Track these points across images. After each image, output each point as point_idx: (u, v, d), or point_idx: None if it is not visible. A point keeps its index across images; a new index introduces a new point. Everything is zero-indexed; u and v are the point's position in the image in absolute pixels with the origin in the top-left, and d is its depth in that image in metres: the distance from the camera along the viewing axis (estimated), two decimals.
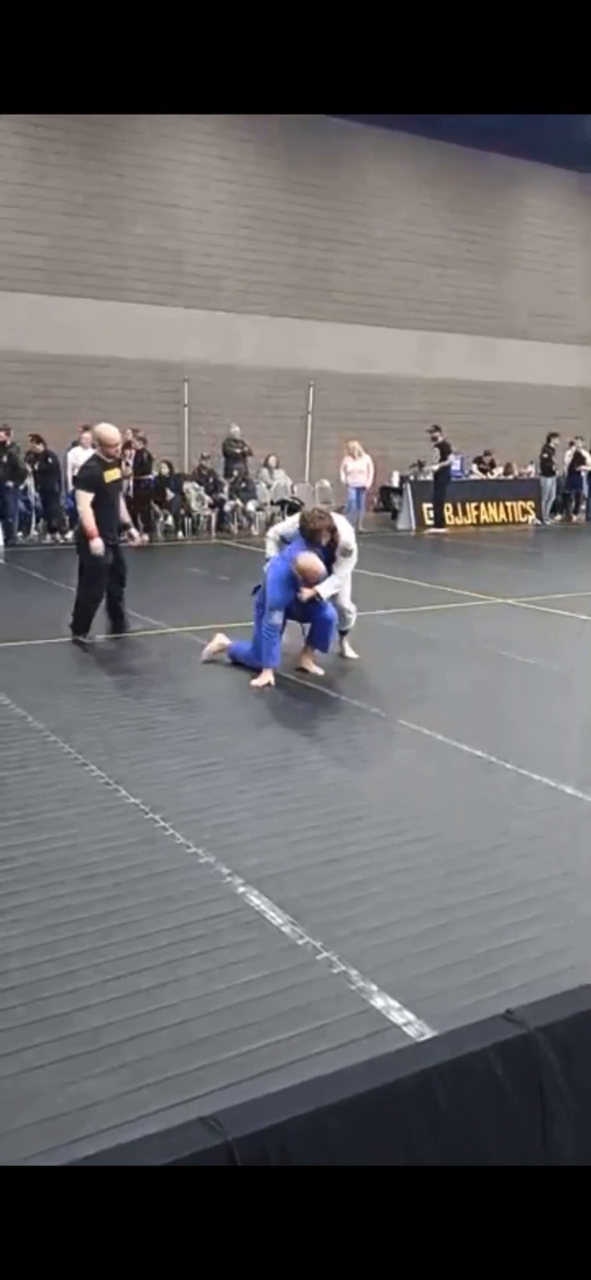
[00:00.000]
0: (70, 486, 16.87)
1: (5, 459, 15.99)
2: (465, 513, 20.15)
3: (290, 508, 17.61)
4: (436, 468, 19.40)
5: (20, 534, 16.42)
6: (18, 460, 16.18)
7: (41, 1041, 2.99)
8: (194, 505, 18.13)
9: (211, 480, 18.54)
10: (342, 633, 8.04)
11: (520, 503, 21.50)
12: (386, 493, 21.82)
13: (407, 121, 20.83)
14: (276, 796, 5.10)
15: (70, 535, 16.70)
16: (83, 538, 8.28)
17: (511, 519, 21.10)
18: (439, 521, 19.33)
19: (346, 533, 7.68)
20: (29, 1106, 2.71)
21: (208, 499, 18.29)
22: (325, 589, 7.33)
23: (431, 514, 19.66)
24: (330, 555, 7.46)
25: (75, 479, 15.93)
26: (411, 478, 20.77)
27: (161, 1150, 1.81)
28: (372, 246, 22.22)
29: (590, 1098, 2.18)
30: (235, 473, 18.68)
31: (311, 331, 21.29)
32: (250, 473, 19.11)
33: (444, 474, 19.41)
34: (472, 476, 21.46)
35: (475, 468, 21.80)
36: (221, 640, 7.79)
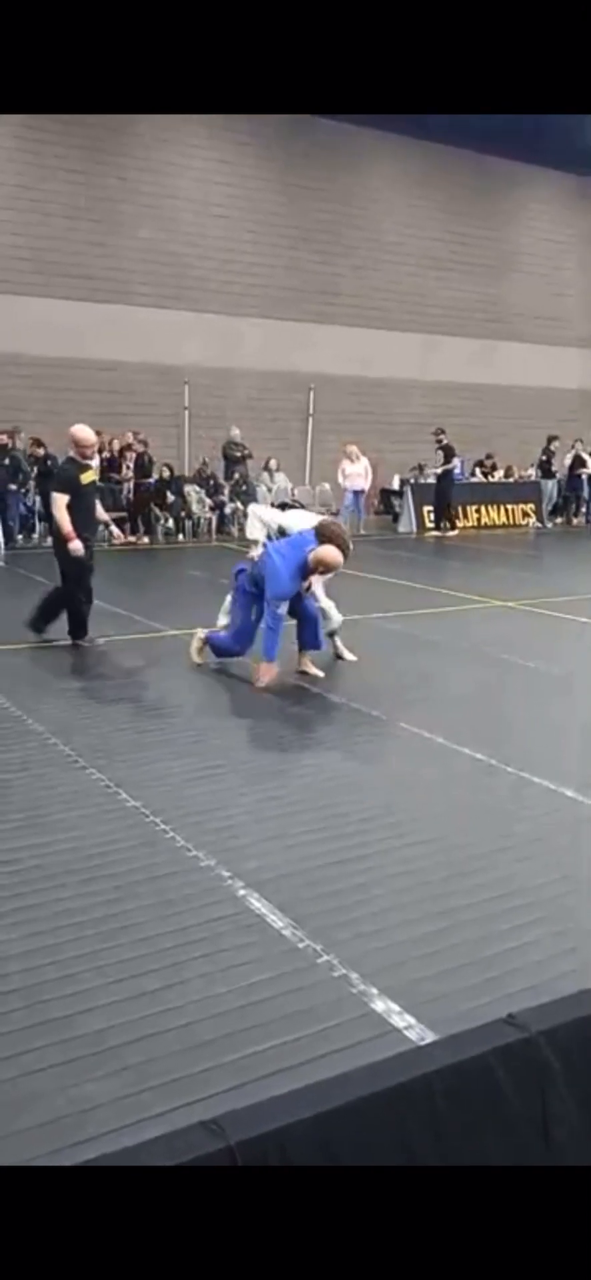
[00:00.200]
0: None
1: (7, 461, 16.00)
2: (466, 515, 20.14)
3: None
4: (440, 470, 19.37)
5: (20, 537, 16.43)
6: (20, 463, 16.19)
7: (43, 1044, 2.99)
8: (195, 508, 18.14)
9: (212, 483, 18.54)
10: (331, 634, 8.00)
11: (520, 505, 21.50)
12: (387, 495, 21.82)
13: (408, 125, 20.86)
14: (277, 799, 5.10)
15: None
16: (61, 540, 8.18)
17: (512, 522, 21.11)
18: (448, 523, 19.24)
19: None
20: (30, 1109, 2.71)
21: (208, 501, 18.29)
22: (317, 582, 7.36)
23: (432, 516, 19.65)
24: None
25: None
26: (412, 480, 20.78)
27: (163, 1154, 1.81)
28: (373, 249, 22.24)
29: None
30: (236, 475, 18.68)
31: (312, 334, 21.30)
32: (250, 475, 19.12)
33: (448, 477, 19.40)
34: (473, 479, 21.46)
35: (476, 471, 21.79)
36: (199, 635, 7.72)
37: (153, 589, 12.80)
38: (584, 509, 22.62)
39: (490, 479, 21.91)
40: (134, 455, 17.38)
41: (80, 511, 8.18)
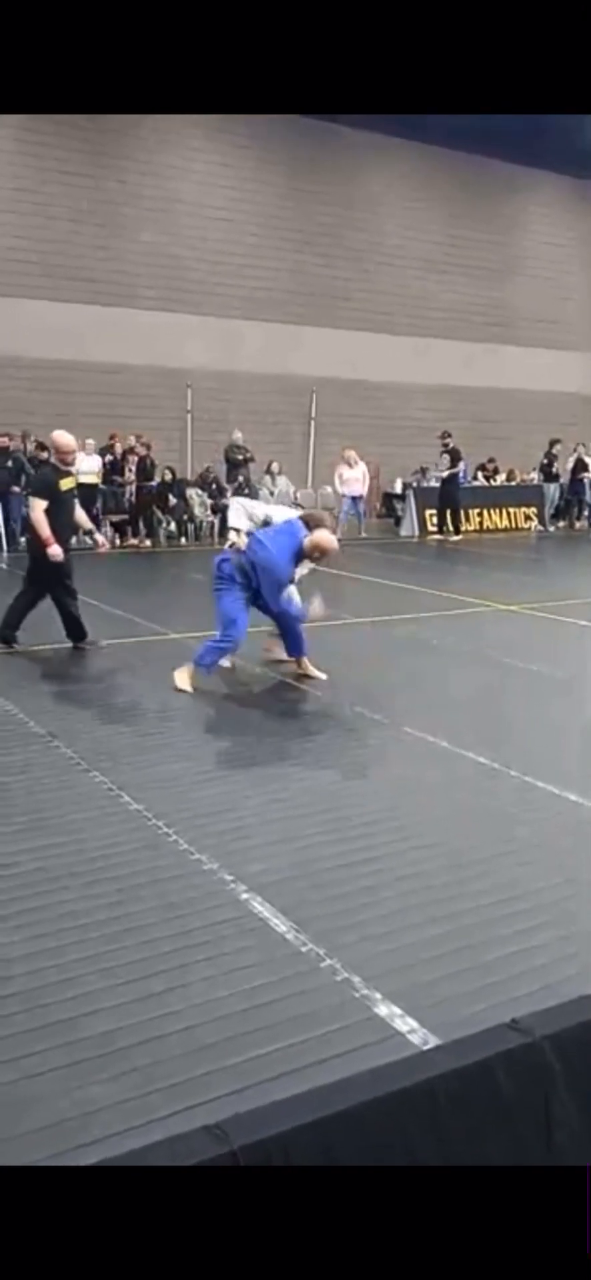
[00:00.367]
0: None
1: (10, 464, 16.01)
2: (468, 519, 20.13)
3: None
4: (446, 474, 19.31)
5: (23, 539, 16.43)
6: (24, 465, 16.22)
7: (46, 1047, 2.99)
8: (197, 511, 18.15)
9: (214, 486, 18.56)
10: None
11: (523, 509, 21.50)
12: (389, 499, 21.83)
13: (410, 128, 20.87)
14: (279, 803, 5.10)
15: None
16: (36, 544, 8.10)
17: (514, 525, 21.11)
18: (454, 528, 19.19)
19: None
20: (33, 1112, 2.71)
21: (210, 504, 18.31)
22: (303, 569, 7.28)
23: (434, 520, 19.63)
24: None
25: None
26: (414, 484, 20.77)
27: (166, 1158, 1.81)
28: (375, 253, 22.25)
29: None
30: (240, 478, 18.70)
31: (314, 338, 21.31)
32: (253, 478, 19.13)
33: (453, 480, 19.33)
34: (475, 483, 21.46)
35: (478, 474, 21.80)
36: (184, 671, 7.15)
37: (155, 592, 12.80)
38: (586, 513, 22.61)
39: (492, 482, 21.91)
40: (136, 458, 17.38)
41: (58, 517, 8.09)
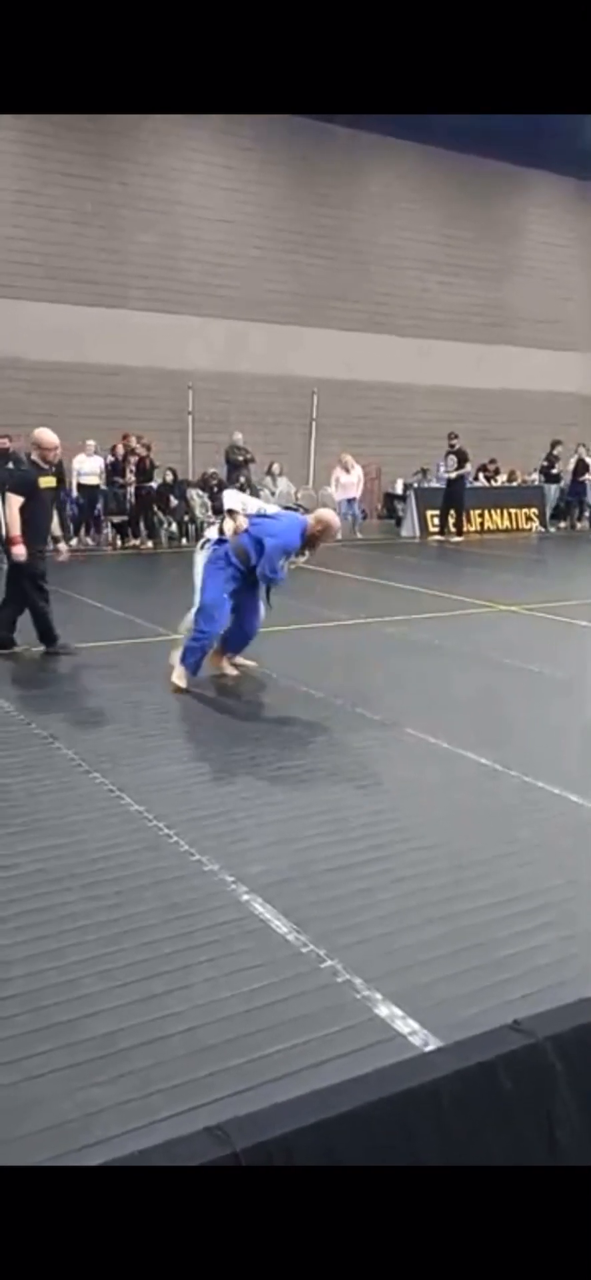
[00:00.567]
0: (75, 493, 16.95)
1: (11, 465, 16.01)
2: (469, 520, 20.13)
3: None
4: (453, 475, 19.24)
5: (61, 545, 16.40)
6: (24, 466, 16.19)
7: (47, 1048, 2.99)
8: (198, 512, 18.16)
9: (216, 488, 18.56)
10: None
11: (524, 510, 21.50)
12: (390, 499, 21.83)
13: (411, 129, 20.89)
14: (279, 804, 5.09)
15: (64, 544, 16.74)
16: (7, 542, 7.97)
17: (515, 526, 21.11)
18: (456, 528, 19.15)
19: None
20: (35, 1113, 2.71)
21: (211, 504, 18.32)
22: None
23: (436, 520, 19.62)
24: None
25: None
26: (415, 485, 20.77)
27: (168, 1160, 1.81)
28: (376, 254, 22.27)
29: None
30: (241, 479, 18.70)
31: (315, 339, 21.33)
32: (254, 479, 19.14)
33: (460, 481, 19.29)
34: (476, 484, 21.46)
35: (479, 475, 21.80)
36: (177, 669, 7.16)
37: (156, 593, 12.81)
38: (587, 513, 22.61)
39: (493, 483, 21.91)
40: (136, 459, 17.37)
41: (35, 516, 8.00)
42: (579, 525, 22.19)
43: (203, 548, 7.37)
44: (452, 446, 19.27)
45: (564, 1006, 2.46)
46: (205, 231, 20.10)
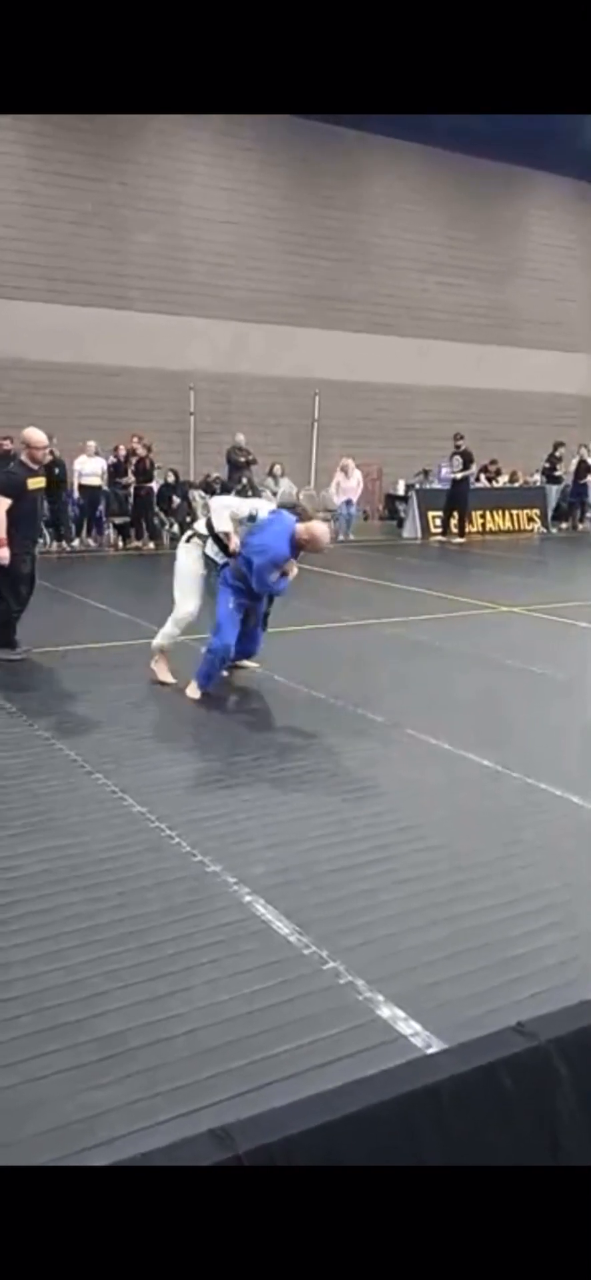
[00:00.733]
0: (77, 494, 16.96)
1: (12, 466, 16.00)
2: (471, 521, 20.12)
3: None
4: (459, 475, 19.17)
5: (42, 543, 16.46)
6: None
7: (50, 1050, 2.99)
8: (200, 513, 18.15)
9: (218, 489, 18.56)
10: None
11: (525, 511, 21.49)
12: (392, 500, 21.82)
13: (412, 130, 20.89)
14: (282, 805, 5.10)
15: (76, 543, 16.78)
16: None
17: (517, 527, 21.10)
18: (459, 529, 19.08)
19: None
20: (37, 1115, 2.71)
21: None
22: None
23: (438, 522, 19.61)
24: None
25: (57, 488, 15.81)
26: (417, 485, 20.77)
27: (171, 1162, 1.81)
28: (377, 255, 22.27)
29: None
30: (243, 480, 18.71)
31: (317, 340, 21.32)
32: (255, 480, 19.14)
33: (465, 482, 19.20)
34: (478, 485, 21.45)
35: (481, 476, 21.78)
36: (191, 684, 7.07)
37: (158, 594, 12.75)
38: (589, 515, 22.59)
39: (494, 484, 21.89)
40: (135, 459, 17.37)
41: (23, 517, 7.90)
42: (580, 526, 22.18)
43: (188, 541, 7.36)
44: (459, 447, 19.21)
45: (567, 1008, 2.47)
46: (207, 232, 20.11)
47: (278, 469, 19.53)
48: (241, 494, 18.42)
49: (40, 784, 5.31)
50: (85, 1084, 2.84)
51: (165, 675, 7.32)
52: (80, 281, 18.78)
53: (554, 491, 22.05)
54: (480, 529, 20.37)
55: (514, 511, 21.29)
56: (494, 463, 22.11)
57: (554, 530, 21.60)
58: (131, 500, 17.43)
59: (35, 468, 8.20)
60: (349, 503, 19.10)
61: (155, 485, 17.67)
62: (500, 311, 24.05)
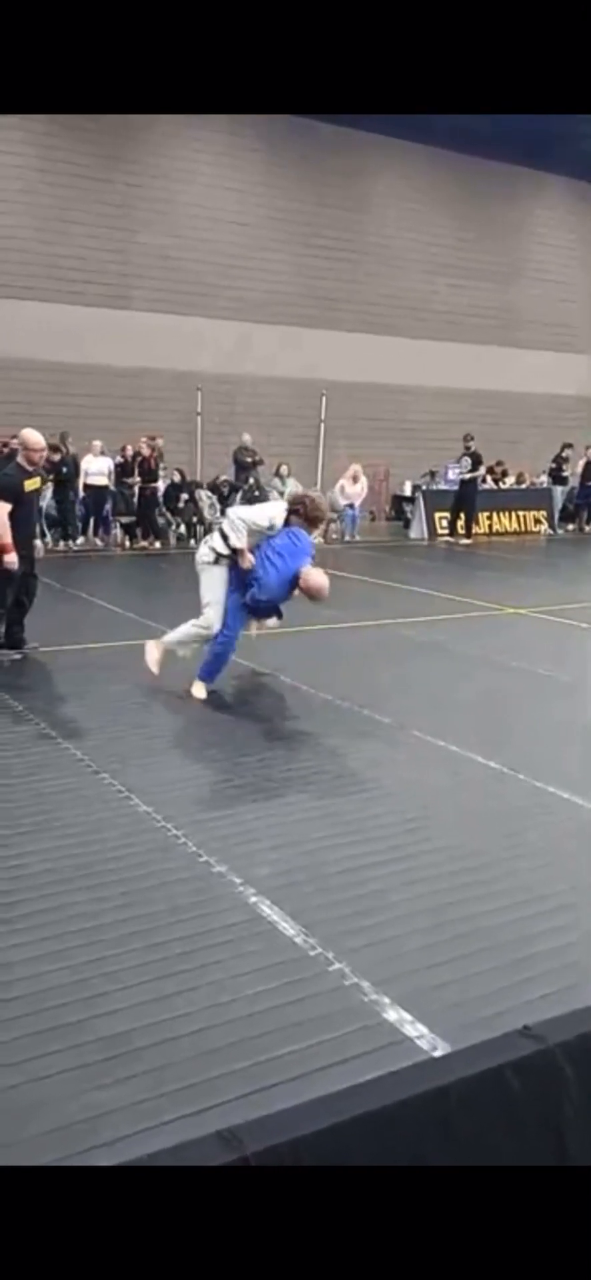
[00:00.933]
0: (82, 494, 16.97)
1: (9, 469, 15.99)
2: (477, 522, 20.09)
3: None
4: (467, 476, 19.07)
5: (36, 542, 16.45)
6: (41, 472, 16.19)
7: (54, 1049, 2.99)
8: (206, 513, 18.17)
9: (226, 490, 18.58)
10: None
11: (532, 512, 21.46)
12: (398, 501, 21.80)
13: (418, 131, 20.89)
14: (287, 806, 5.09)
15: (80, 542, 16.79)
16: None
17: (523, 529, 21.06)
18: (466, 530, 19.01)
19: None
20: (41, 1114, 2.71)
21: (220, 507, 18.34)
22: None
23: (444, 523, 19.58)
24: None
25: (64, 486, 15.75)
26: (423, 486, 20.75)
27: (177, 1163, 1.81)
28: (384, 256, 22.27)
29: None
30: (250, 481, 18.71)
31: (324, 341, 21.33)
32: (262, 481, 19.16)
33: (473, 484, 19.13)
34: (484, 486, 21.43)
35: (487, 477, 21.75)
36: (196, 683, 7.07)
37: (164, 594, 12.80)
38: None
39: (500, 485, 21.86)
40: (140, 459, 17.37)
41: (20, 520, 7.88)
42: (587, 528, 22.13)
43: (216, 563, 7.01)
44: (468, 448, 19.12)
45: (574, 1012, 2.45)
46: (214, 233, 20.12)
47: (284, 469, 19.53)
48: (248, 494, 18.47)
49: (46, 783, 5.31)
50: (89, 1084, 2.83)
51: (154, 662, 7.16)
52: (88, 282, 18.81)
53: (560, 493, 22.01)
54: (486, 530, 20.34)
55: (520, 513, 21.25)
56: (500, 464, 22.08)
57: (560, 532, 21.57)
58: (136, 500, 17.44)
59: (31, 470, 8.18)
60: (352, 506, 19.12)
61: (161, 485, 17.69)
62: (507, 312, 24.04)
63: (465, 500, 19.20)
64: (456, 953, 3.61)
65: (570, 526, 22.04)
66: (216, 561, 6.98)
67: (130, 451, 17.52)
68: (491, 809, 5.14)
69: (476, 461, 19.15)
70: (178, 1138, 2.45)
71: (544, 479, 22.48)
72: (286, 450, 20.13)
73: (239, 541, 6.81)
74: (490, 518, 20.58)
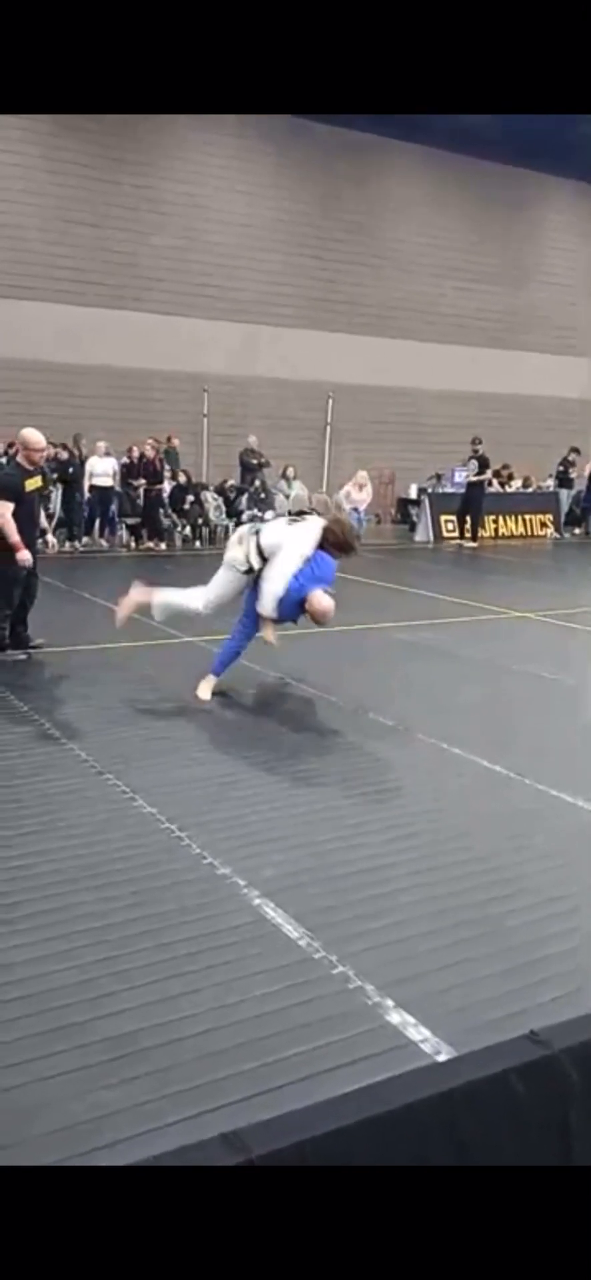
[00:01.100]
0: (87, 494, 16.98)
1: (9, 468, 15.97)
2: (483, 526, 20.07)
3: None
4: (474, 479, 19.01)
5: (40, 542, 16.46)
6: (43, 469, 16.19)
7: (58, 1050, 2.98)
8: (212, 515, 18.18)
9: (233, 495, 18.59)
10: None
11: (538, 516, 21.43)
12: (404, 504, 21.78)
13: (427, 133, 20.89)
14: (292, 808, 5.08)
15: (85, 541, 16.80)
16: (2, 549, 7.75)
17: (530, 532, 21.03)
18: (472, 534, 18.94)
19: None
20: (45, 1115, 2.70)
21: (225, 508, 18.36)
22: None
23: (451, 526, 19.55)
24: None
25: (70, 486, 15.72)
26: (430, 489, 20.73)
27: (182, 1163, 1.80)
28: (391, 258, 22.28)
29: None
30: (257, 483, 18.72)
31: (331, 343, 21.34)
32: (268, 483, 19.17)
33: (480, 487, 19.09)
34: (490, 489, 21.39)
35: (493, 480, 21.73)
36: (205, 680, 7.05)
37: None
38: None
39: (507, 489, 21.84)
40: (144, 461, 17.38)
41: (22, 520, 7.87)
42: None
43: (247, 572, 6.91)
44: (476, 451, 19.08)
45: (581, 1017, 2.44)
46: (221, 234, 20.15)
47: (290, 471, 19.53)
48: (254, 497, 18.47)
49: (50, 784, 5.31)
50: (94, 1084, 2.83)
51: (128, 608, 7.29)
52: (95, 283, 18.85)
53: (566, 497, 21.97)
54: (492, 534, 20.31)
55: (526, 516, 21.22)
56: (506, 467, 22.06)
57: (566, 536, 21.53)
58: (142, 501, 17.45)
59: (32, 469, 8.17)
60: (357, 510, 19.11)
61: (167, 486, 17.70)
62: (514, 316, 24.03)
63: (471, 503, 19.15)
64: (461, 956, 3.60)
65: (576, 530, 22.01)
66: (248, 572, 6.90)
67: (136, 453, 17.54)
68: (497, 812, 5.13)
69: (484, 465, 19.10)
70: (182, 1139, 2.45)
71: (550, 483, 22.45)
72: (293, 452, 20.13)
73: (271, 612, 6.67)
74: (496, 521, 20.54)
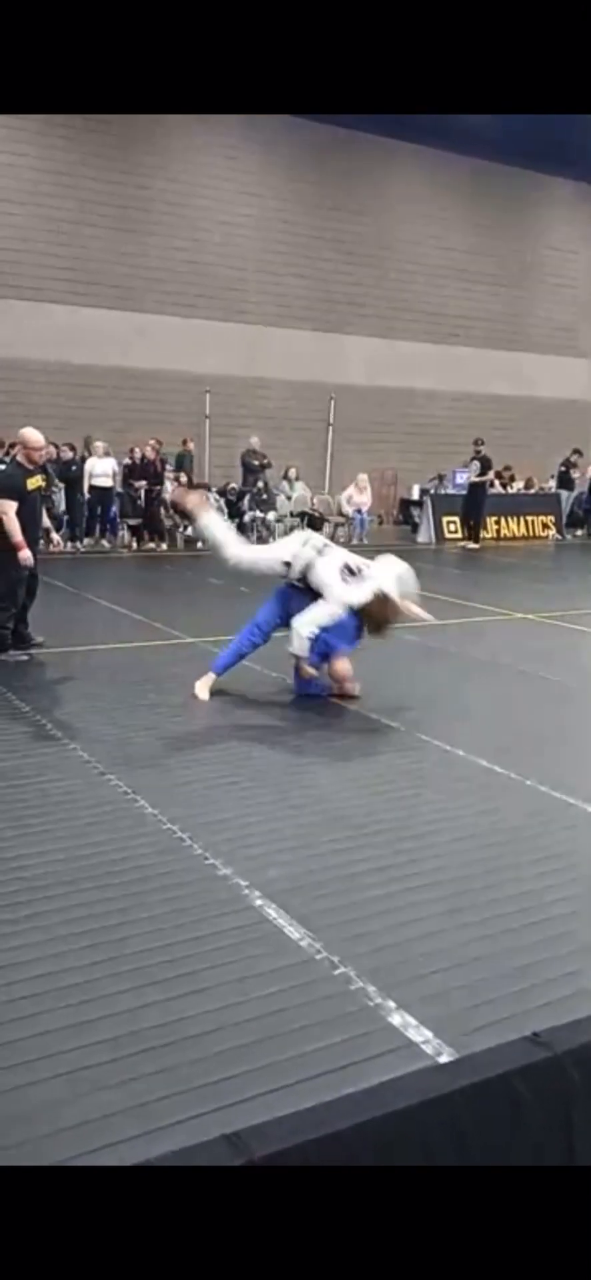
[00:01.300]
0: (87, 495, 16.99)
1: (9, 468, 15.98)
2: (485, 527, 20.06)
3: (309, 520, 17.63)
4: (476, 480, 18.99)
5: (42, 542, 16.46)
6: (47, 469, 16.22)
7: (59, 1050, 2.98)
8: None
9: (235, 498, 18.58)
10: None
11: (540, 517, 21.42)
12: (406, 505, 21.78)
13: (431, 135, 20.90)
14: (294, 810, 5.08)
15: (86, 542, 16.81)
16: (5, 548, 7.76)
17: (532, 534, 21.02)
18: (474, 535, 18.92)
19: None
20: (46, 1116, 2.70)
21: (226, 510, 18.34)
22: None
23: (453, 527, 19.53)
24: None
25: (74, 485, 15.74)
26: (431, 490, 20.72)
27: (183, 1163, 1.80)
28: (394, 260, 22.28)
29: None
30: (259, 484, 18.71)
31: (333, 344, 21.35)
32: (270, 484, 19.17)
33: (481, 488, 19.06)
34: (492, 491, 21.38)
35: (495, 482, 21.72)
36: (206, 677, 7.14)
37: (172, 596, 12.82)
38: None
39: (508, 490, 21.83)
40: (145, 462, 17.37)
41: (24, 519, 7.88)
42: None
43: (297, 582, 6.98)
44: (478, 453, 19.05)
45: (583, 1019, 2.43)
46: (222, 236, 20.17)
47: (292, 472, 19.53)
48: (256, 498, 18.47)
49: (52, 784, 5.31)
50: (94, 1086, 2.82)
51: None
52: (98, 284, 18.86)
53: (568, 498, 21.97)
54: (494, 535, 20.30)
55: (528, 518, 21.21)
56: (508, 468, 22.05)
57: (569, 537, 21.52)
58: (142, 501, 17.47)
59: (32, 468, 8.17)
60: (359, 512, 19.11)
61: (168, 486, 17.70)
62: (516, 317, 24.03)
63: (473, 504, 19.13)
64: (464, 958, 3.59)
65: (578, 532, 22.00)
66: (286, 566, 7.00)
67: (138, 454, 17.55)
68: (500, 815, 5.12)
69: (485, 466, 19.09)
70: (182, 1140, 2.44)
71: (552, 484, 22.44)
72: (294, 453, 20.14)
73: (302, 651, 6.87)
74: (498, 522, 20.53)
